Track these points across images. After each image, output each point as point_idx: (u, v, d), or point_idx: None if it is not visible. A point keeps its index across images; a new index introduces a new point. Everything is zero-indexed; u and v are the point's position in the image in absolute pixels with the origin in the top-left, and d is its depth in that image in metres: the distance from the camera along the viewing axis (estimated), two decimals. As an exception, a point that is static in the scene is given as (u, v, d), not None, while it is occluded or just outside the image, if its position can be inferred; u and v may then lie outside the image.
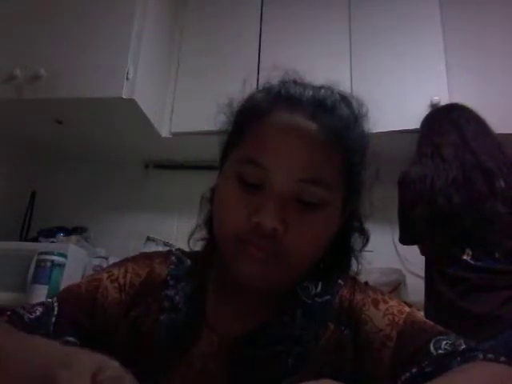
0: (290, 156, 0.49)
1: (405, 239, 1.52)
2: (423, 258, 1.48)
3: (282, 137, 0.50)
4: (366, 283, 0.58)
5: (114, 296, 0.57)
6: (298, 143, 0.50)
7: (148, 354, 0.53)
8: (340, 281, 0.57)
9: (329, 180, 0.50)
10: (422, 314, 0.54)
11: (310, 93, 0.54)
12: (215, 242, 0.56)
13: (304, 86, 0.56)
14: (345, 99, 0.56)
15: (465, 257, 1.28)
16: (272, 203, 0.48)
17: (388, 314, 0.51)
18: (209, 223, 0.61)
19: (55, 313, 0.55)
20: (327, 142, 0.51)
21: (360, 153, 0.55)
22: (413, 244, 1.53)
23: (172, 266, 0.61)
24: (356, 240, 0.60)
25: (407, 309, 0.53)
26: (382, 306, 0.52)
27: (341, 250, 0.59)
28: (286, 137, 0.50)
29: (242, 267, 0.50)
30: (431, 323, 0.51)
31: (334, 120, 0.52)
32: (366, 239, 0.60)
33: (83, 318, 0.55)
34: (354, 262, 0.60)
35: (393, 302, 0.53)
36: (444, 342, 0.46)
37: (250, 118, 0.54)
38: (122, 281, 0.59)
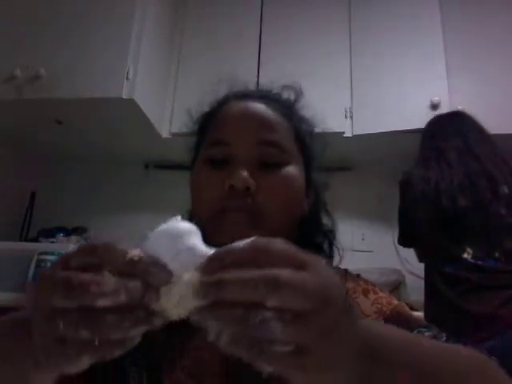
0: (246, 127, 0.58)
1: (404, 240, 1.52)
2: (423, 258, 1.48)
3: (237, 115, 0.60)
4: (358, 275, 0.59)
5: None
6: (252, 116, 0.59)
7: (148, 349, 0.53)
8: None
9: (283, 142, 0.58)
10: (421, 313, 0.55)
11: (253, 91, 0.66)
12: None
13: (248, 89, 0.68)
14: (284, 93, 0.68)
15: (465, 256, 1.28)
16: (240, 168, 0.54)
17: (376, 304, 0.53)
18: None
19: None
20: (276, 115, 0.60)
21: (306, 128, 0.64)
22: (411, 246, 1.53)
23: None
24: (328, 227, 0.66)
25: (395, 301, 0.55)
26: (372, 296, 0.55)
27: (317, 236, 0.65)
28: (240, 114, 0.60)
29: (224, 236, 0.51)
30: (416, 317, 0.53)
31: (277, 103, 0.63)
32: (333, 226, 0.67)
33: None
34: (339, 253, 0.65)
35: (382, 294, 0.55)
36: (426, 334, 0.48)
37: (208, 118, 0.65)
38: None
